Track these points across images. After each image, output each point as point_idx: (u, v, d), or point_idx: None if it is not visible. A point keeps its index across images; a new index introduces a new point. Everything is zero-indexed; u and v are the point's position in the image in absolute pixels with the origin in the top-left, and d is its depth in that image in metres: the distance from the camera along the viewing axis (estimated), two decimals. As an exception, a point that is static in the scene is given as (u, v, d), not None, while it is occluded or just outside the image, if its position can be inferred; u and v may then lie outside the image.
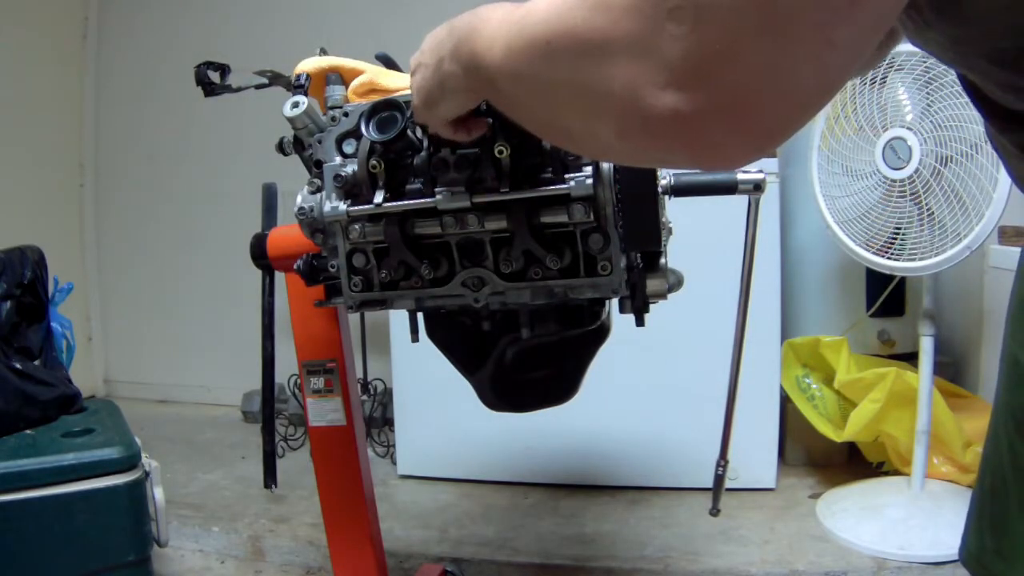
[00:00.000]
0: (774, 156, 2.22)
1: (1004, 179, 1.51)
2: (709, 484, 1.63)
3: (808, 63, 0.35)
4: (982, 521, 0.86)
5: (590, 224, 0.80)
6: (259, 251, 1.27)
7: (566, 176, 0.79)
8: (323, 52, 1.00)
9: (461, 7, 0.56)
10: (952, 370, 2.30)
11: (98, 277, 3.53)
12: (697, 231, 1.54)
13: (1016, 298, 0.80)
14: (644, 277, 0.87)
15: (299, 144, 0.94)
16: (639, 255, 0.88)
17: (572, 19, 0.41)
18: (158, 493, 1.69)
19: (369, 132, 0.82)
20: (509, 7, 0.51)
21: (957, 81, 1.60)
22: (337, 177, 0.85)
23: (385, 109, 0.82)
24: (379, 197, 0.83)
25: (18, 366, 1.80)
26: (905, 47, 1.61)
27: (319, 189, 0.89)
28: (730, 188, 0.97)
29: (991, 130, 0.62)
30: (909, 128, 1.67)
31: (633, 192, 0.80)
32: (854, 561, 1.74)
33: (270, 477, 1.43)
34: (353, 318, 2.62)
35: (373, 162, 0.83)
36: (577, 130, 0.47)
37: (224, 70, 1.15)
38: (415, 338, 0.99)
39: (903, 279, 2.12)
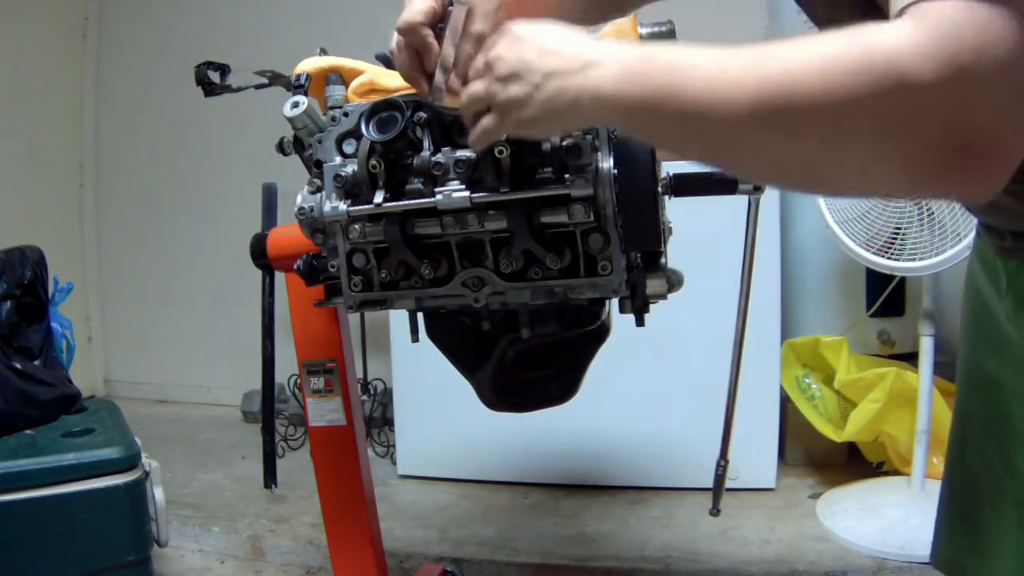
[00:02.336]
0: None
1: (1004, 179, 1.51)
2: (709, 484, 1.62)
3: None
4: (953, 522, 0.88)
5: (590, 224, 0.80)
6: (259, 251, 1.27)
7: (566, 176, 0.78)
8: (323, 52, 1.00)
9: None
10: (952, 370, 2.29)
11: (98, 277, 3.53)
12: (697, 231, 1.54)
13: (970, 312, 0.83)
14: (644, 277, 0.87)
15: (299, 144, 0.93)
16: (639, 255, 0.88)
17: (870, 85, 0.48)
18: (158, 493, 1.69)
19: (369, 132, 0.82)
20: (725, 55, 0.55)
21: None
22: (337, 177, 0.85)
23: (385, 109, 0.83)
24: (379, 197, 0.83)
25: (18, 366, 1.80)
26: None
27: (319, 189, 0.89)
28: (730, 188, 0.97)
29: None
30: (909, 128, 1.67)
31: (633, 192, 0.80)
32: (854, 561, 1.74)
33: (270, 477, 1.43)
34: (353, 318, 2.62)
35: (373, 162, 0.83)
36: (839, 175, 0.54)
37: (224, 70, 1.15)
38: (415, 338, 0.99)
39: (903, 279, 2.12)
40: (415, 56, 0.75)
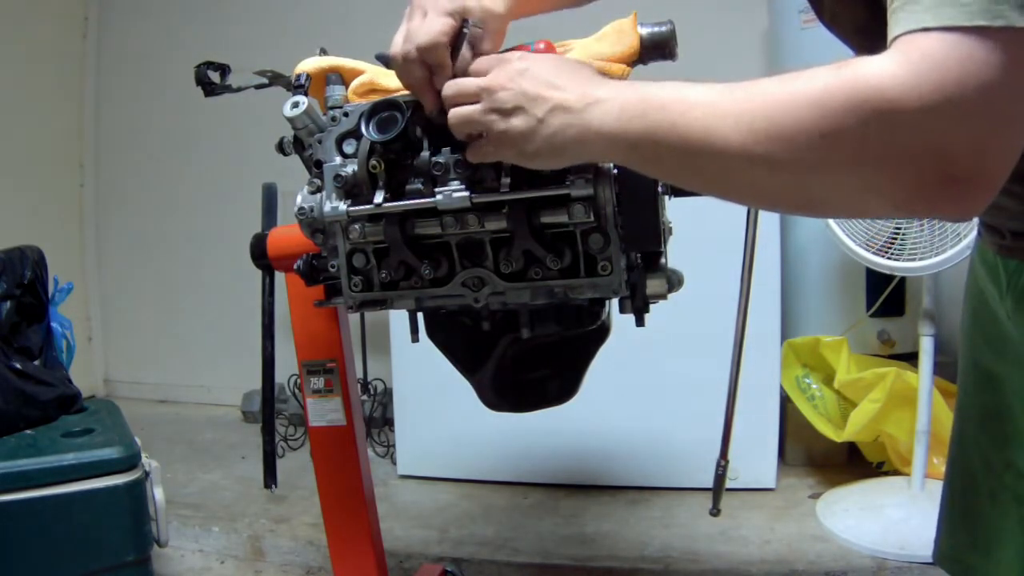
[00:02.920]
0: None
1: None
2: (709, 484, 1.63)
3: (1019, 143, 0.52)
4: (954, 519, 0.90)
5: (590, 224, 0.80)
6: (259, 251, 1.27)
7: (566, 176, 0.78)
8: (323, 52, 1.00)
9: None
10: (952, 370, 2.28)
11: (98, 277, 3.53)
12: (697, 231, 1.54)
13: (971, 310, 0.83)
14: (644, 277, 0.86)
15: (299, 144, 0.93)
16: (639, 255, 0.88)
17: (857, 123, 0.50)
18: (158, 493, 1.69)
19: (369, 132, 0.82)
20: (717, 91, 0.57)
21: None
22: (337, 177, 0.85)
23: (385, 109, 0.82)
24: (379, 197, 0.83)
25: (18, 366, 1.80)
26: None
27: (319, 189, 0.89)
28: (730, 188, 0.97)
29: None
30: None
31: (633, 192, 0.80)
32: (854, 561, 1.74)
33: (270, 477, 1.43)
34: (353, 318, 2.62)
35: (373, 162, 0.83)
36: (833, 200, 0.57)
37: (224, 70, 1.15)
38: (415, 338, 0.99)
39: (903, 279, 2.12)
40: (427, 71, 0.76)
